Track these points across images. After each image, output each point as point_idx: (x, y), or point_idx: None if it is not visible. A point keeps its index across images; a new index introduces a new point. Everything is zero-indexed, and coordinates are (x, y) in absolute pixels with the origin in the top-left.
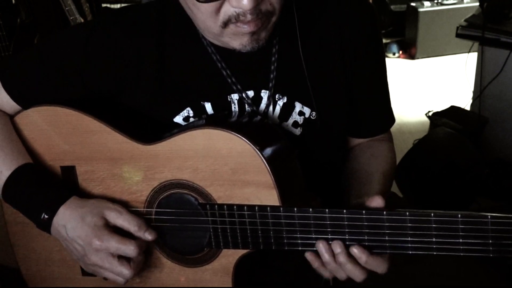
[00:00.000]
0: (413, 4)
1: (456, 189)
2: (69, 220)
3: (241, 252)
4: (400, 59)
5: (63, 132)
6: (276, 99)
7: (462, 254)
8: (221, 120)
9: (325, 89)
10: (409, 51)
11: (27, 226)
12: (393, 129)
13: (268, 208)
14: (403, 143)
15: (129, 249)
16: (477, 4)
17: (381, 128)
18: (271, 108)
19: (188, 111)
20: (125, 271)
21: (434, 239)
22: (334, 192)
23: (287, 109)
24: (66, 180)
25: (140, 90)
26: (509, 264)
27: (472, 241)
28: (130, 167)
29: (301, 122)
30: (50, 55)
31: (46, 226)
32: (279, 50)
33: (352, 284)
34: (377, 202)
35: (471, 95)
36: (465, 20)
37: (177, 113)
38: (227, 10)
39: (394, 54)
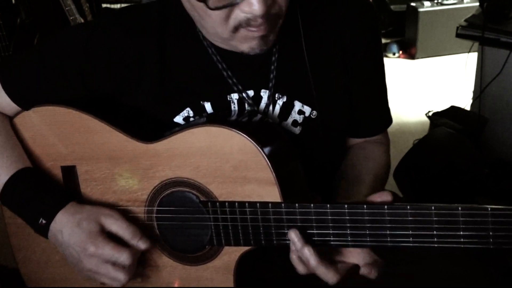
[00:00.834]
0: (413, 4)
1: (456, 189)
2: (66, 226)
3: (243, 249)
4: (400, 59)
5: (63, 132)
6: (276, 99)
7: (462, 246)
8: (222, 118)
9: (326, 87)
10: (409, 51)
11: (27, 227)
12: (393, 129)
13: (270, 205)
14: (403, 143)
15: (123, 257)
16: (477, 4)
17: (378, 128)
18: (271, 107)
19: (188, 111)
20: (120, 276)
21: (435, 232)
22: (334, 191)
23: (287, 108)
24: (67, 181)
25: (140, 90)
26: (509, 264)
27: (473, 233)
28: (131, 166)
29: (301, 121)
30: (50, 56)
31: (43, 231)
32: (279, 50)
33: (353, 285)
34: (385, 197)
35: (471, 95)
36: (465, 20)
37: (177, 113)
38: (238, 15)
39: (394, 54)
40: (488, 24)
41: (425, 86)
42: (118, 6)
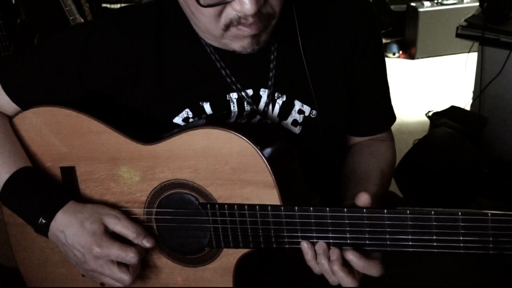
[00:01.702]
0: (413, 4)
1: (456, 189)
2: (68, 226)
3: (242, 251)
4: (400, 59)
5: (63, 132)
6: (276, 98)
7: (462, 251)
8: (221, 119)
9: (326, 87)
10: (409, 51)
11: (27, 227)
12: (393, 129)
13: (269, 207)
14: (403, 143)
15: (130, 256)
16: (477, 4)
17: (382, 126)
18: (270, 106)
19: (187, 112)
20: (125, 277)
21: (434, 237)
22: (334, 190)
23: (287, 108)
24: (66, 181)
25: (139, 91)
26: (508, 263)
27: (472, 238)
28: (130, 168)
29: (301, 120)
30: (49, 56)
31: (43, 230)
32: (278, 49)
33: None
34: (363, 198)
35: (471, 95)
36: (465, 20)
37: (176, 114)
38: (229, 13)
39: (394, 54)
40: (488, 24)
41: (425, 86)
42: (118, 6)
